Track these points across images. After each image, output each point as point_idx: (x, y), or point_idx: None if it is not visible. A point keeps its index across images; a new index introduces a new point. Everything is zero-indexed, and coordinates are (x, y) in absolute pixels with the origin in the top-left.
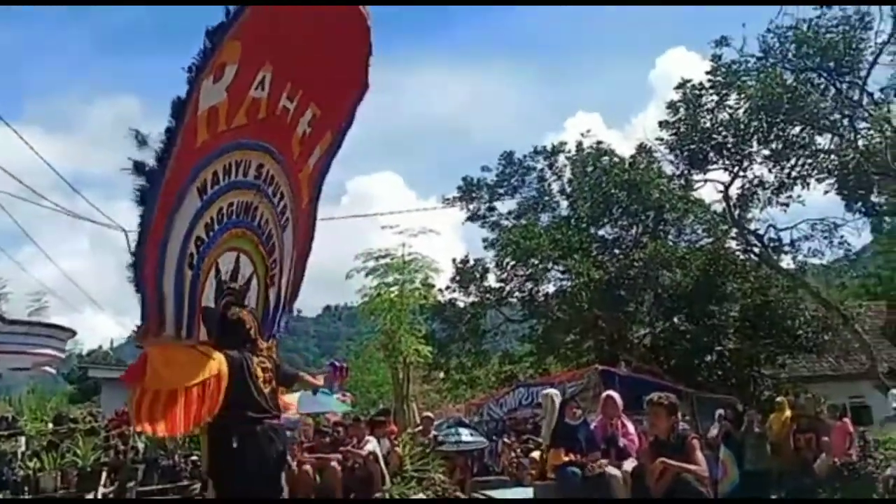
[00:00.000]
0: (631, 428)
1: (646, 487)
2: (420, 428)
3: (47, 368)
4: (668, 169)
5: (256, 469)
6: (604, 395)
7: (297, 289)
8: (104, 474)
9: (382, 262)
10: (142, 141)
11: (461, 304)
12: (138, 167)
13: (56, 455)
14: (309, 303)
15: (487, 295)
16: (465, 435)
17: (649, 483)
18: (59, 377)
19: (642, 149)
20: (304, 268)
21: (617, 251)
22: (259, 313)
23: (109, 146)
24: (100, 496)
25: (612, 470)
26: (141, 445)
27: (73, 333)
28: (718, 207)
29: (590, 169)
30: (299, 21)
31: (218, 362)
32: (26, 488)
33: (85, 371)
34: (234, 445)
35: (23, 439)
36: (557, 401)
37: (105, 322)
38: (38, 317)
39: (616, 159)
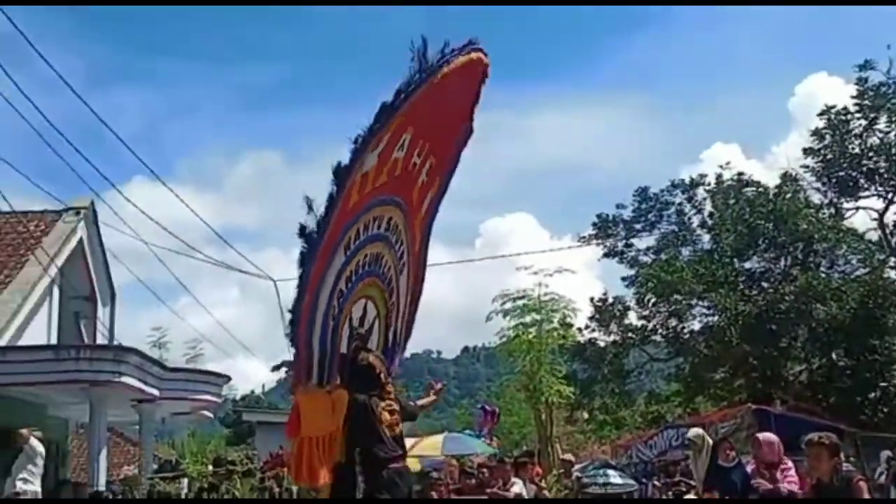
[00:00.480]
0: (793, 470)
1: None
2: (562, 471)
3: (205, 413)
4: (816, 198)
5: None
6: (754, 437)
7: (409, 329)
8: None
9: (519, 302)
10: (310, 206)
11: (601, 344)
12: (302, 231)
13: (217, 496)
14: (448, 344)
15: (629, 334)
16: (614, 477)
17: None
18: (215, 421)
19: (787, 178)
20: (416, 309)
21: (765, 284)
22: (379, 354)
23: (254, 199)
24: None
25: None
26: (295, 487)
27: (228, 379)
28: (874, 236)
29: (731, 201)
30: (441, 83)
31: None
32: None
33: (239, 415)
34: (361, 489)
35: (185, 481)
36: (709, 440)
37: (256, 367)
38: (194, 363)
39: (759, 190)
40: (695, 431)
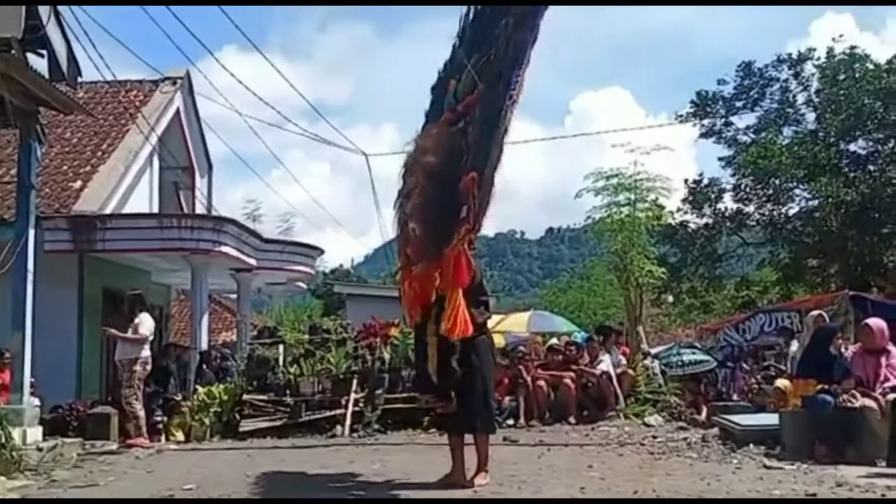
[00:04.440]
0: None
1: None
2: (643, 357)
3: (299, 284)
4: None
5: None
6: (863, 322)
7: None
8: (355, 381)
9: (613, 181)
10: None
11: (693, 227)
12: None
13: (312, 362)
14: (532, 225)
15: (724, 218)
16: (691, 354)
17: None
18: (308, 292)
19: None
20: None
21: (871, 168)
22: None
23: (345, 73)
24: (352, 400)
25: (867, 402)
26: (387, 356)
27: (322, 251)
28: None
29: (841, 77)
30: None
31: None
32: (288, 391)
33: (331, 287)
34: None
35: (281, 347)
36: (809, 326)
37: (344, 241)
38: (285, 236)
39: (870, 66)
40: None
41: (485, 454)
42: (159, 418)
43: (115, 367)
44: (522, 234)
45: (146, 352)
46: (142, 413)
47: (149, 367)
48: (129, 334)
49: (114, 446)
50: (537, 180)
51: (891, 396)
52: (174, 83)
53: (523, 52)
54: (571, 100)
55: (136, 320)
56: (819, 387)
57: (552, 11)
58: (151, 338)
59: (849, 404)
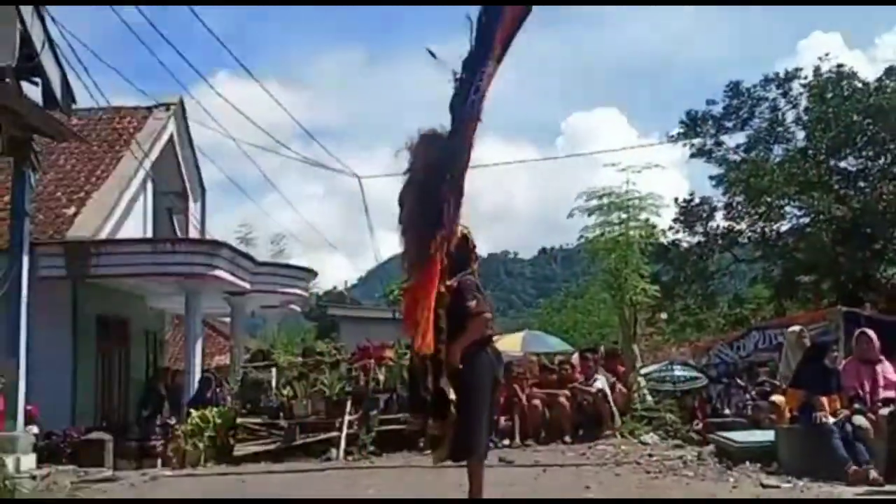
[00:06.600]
0: (891, 371)
1: None
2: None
3: (293, 306)
4: None
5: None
6: (860, 331)
7: None
8: (349, 403)
9: (605, 200)
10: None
11: (685, 245)
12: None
13: (306, 384)
14: (525, 245)
15: (716, 236)
16: (684, 370)
17: None
18: (301, 315)
19: (892, 71)
20: None
21: (862, 184)
22: None
23: (338, 98)
24: (346, 422)
25: (858, 420)
26: (381, 377)
27: (315, 274)
28: None
29: (829, 95)
30: None
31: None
32: (281, 413)
33: (324, 309)
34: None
35: (274, 370)
36: (806, 340)
37: (338, 263)
38: (278, 258)
39: (859, 84)
40: (793, 328)
41: (476, 486)
42: (154, 442)
43: (110, 394)
44: (516, 254)
45: None
46: None
47: None
48: None
49: (108, 473)
50: (530, 200)
51: (884, 412)
52: (168, 109)
53: (490, 38)
54: (562, 120)
55: None
56: (804, 399)
57: (547, 32)
58: None
59: (821, 421)
